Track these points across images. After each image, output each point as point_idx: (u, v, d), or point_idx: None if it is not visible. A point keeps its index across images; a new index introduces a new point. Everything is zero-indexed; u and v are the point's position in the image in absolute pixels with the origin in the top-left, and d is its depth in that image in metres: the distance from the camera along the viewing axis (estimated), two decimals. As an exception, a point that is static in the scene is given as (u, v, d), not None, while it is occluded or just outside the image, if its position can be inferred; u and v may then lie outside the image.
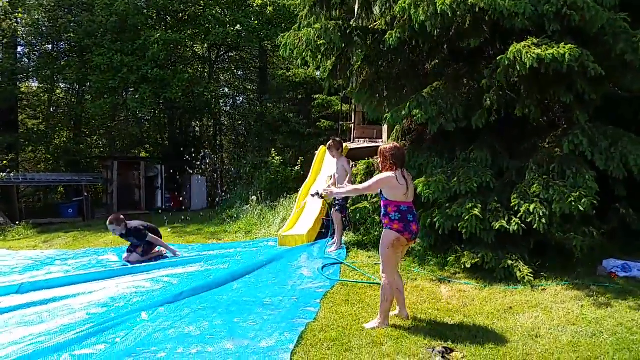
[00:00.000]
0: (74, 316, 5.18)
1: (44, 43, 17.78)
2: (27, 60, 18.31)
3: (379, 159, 4.49)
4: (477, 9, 5.68)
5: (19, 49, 18.38)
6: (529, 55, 5.13)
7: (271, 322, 4.56)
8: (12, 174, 15.25)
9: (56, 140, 20.00)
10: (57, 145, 19.99)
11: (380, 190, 4.38)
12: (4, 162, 14.72)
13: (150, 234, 7.57)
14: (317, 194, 6.73)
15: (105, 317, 4.98)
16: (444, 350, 3.85)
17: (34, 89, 20.84)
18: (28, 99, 20.19)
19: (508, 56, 5.38)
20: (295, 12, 7.67)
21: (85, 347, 4.24)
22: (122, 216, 7.61)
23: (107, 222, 7.51)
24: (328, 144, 7.72)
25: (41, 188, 19.05)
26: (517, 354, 3.78)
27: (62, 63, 17.78)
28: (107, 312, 5.19)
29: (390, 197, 4.31)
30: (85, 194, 16.45)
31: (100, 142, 21.75)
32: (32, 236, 11.98)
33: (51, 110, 20.93)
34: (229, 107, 25.17)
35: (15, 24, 15.73)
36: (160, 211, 16.05)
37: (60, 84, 20.35)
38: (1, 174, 14.19)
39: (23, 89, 19.71)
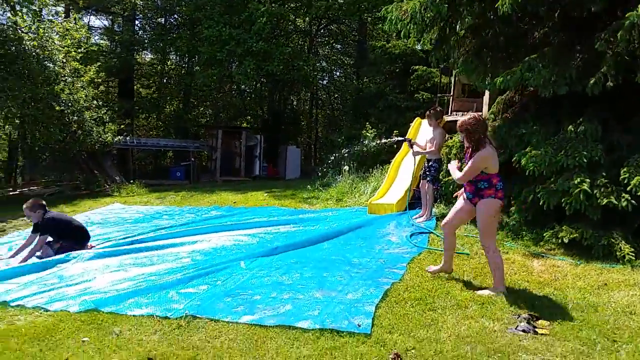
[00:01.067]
0: (180, 261, 5.72)
1: (158, 16, 19.06)
2: (142, 33, 19.75)
3: (463, 135, 4.41)
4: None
5: (137, 22, 19.84)
6: None
7: (358, 279, 4.73)
8: (127, 138, 16.74)
9: (167, 108, 21.56)
10: (168, 113, 21.57)
11: None
12: (122, 126, 16.16)
13: (43, 236, 6.19)
14: (408, 140, 6.89)
15: (208, 263, 5.46)
16: (529, 316, 3.80)
17: (148, 60, 22.49)
18: (142, 69, 21.85)
19: (636, 13, 4.94)
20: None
21: (190, 286, 4.71)
22: (42, 202, 6.38)
23: (23, 206, 6.31)
24: (427, 112, 7.64)
25: (153, 152, 20.69)
26: (606, 327, 3.63)
27: (174, 35, 19.02)
28: (209, 259, 5.67)
29: (492, 170, 4.31)
30: (192, 159, 17.66)
31: (207, 112, 23.07)
32: (144, 194, 13.13)
33: (163, 80, 22.53)
34: (326, 81, 25.50)
35: (135, -1, 17.06)
36: (256, 179, 16.85)
37: (172, 56, 21.77)
38: (119, 137, 15.61)
39: (139, 60, 21.38)
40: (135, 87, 21.39)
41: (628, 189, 5.17)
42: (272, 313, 3.93)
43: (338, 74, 26.71)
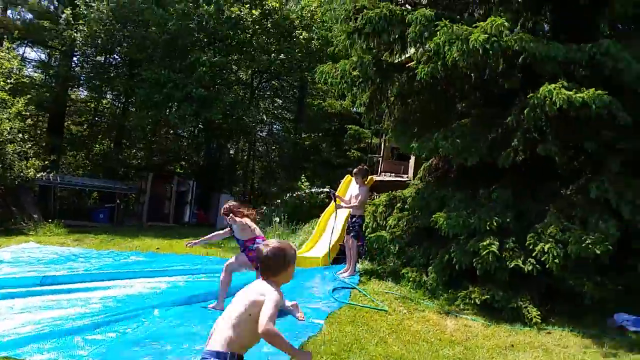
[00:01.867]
0: (90, 306, 5.43)
1: (97, 54, 18.74)
2: (79, 69, 19.29)
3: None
4: (510, 52, 5.84)
5: (74, 58, 19.40)
6: (559, 96, 5.19)
7: (275, 330, 4.67)
8: (51, 175, 15.95)
9: (97, 147, 20.84)
10: (97, 152, 20.84)
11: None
12: (46, 162, 15.41)
13: None
14: (331, 192, 7.61)
15: (120, 309, 5.21)
16: (439, 375, 3.88)
17: (82, 97, 21.88)
18: (76, 106, 21.19)
19: (538, 95, 5.46)
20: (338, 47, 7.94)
21: (98, 333, 4.48)
22: None
23: None
24: (355, 169, 7.90)
25: (77, 191, 19.75)
26: (511, 388, 3.79)
27: (112, 74, 18.70)
28: (122, 306, 5.42)
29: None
30: (118, 201, 16.99)
31: (139, 154, 22.51)
32: (62, 234, 12.43)
33: (96, 118, 21.90)
34: (265, 134, 25.79)
35: (75, 34, 16.68)
36: (185, 225, 16.44)
37: (108, 95, 21.32)
38: (42, 173, 14.84)
39: (72, 96, 20.75)
40: (66, 123, 20.63)
41: (533, 254, 5.54)
42: (182, 364, 3.80)
43: (277, 127, 27.16)
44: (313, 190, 9.33)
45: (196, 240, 6.19)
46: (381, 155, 12.88)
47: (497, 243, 5.66)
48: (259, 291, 2.57)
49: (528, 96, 5.67)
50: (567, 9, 7.07)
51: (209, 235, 6.31)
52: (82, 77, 18.78)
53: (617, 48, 5.43)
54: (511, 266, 5.56)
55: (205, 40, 17.88)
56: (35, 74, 20.15)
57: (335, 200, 7.91)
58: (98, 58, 18.92)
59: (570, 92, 5.25)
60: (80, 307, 5.39)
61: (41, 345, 4.07)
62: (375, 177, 10.69)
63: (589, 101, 5.15)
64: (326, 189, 7.52)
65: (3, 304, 5.37)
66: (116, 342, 4.23)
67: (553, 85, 5.42)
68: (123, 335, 4.45)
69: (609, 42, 5.49)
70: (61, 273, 7.04)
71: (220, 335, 2.50)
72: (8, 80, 13.87)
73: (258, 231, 5.79)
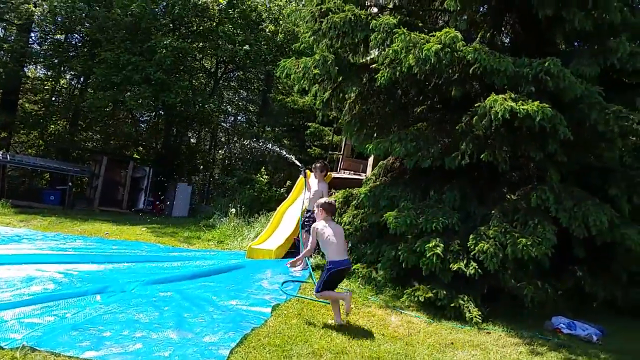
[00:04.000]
0: (30, 289, 5.27)
1: (57, 32, 18.07)
2: (37, 47, 18.54)
3: None
4: (464, 61, 6.01)
5: (32, 34, 18.64)
6: (502, 107, 5.42)
7: (219, 321, 4.68)
8: (1, 152, 15.32)
9: (51, 127, 20.12)
10: (51, 132, 20.12)
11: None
12: (-4, 139, 14.80)
13: None
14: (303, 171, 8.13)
15: (61, 293, 5.09)
16: (377, 368, 3.99)
17: (39, 75, 21.06)
18: (32, 84, 20.38)
19: (484, 105, 5.68)
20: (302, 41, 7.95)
21: (35, 316, 4.37)
22: None
23: None
24: (314, 164, 7.96)
25: (28, 172, 19.03)
26: (444, 384, 3.92)
27: (71, 54, 18.08)
28: (63, 290, 5.28)
29: None
30: (70, 184, 16.46)
31: (95, 137, 21.85)
32: (9, 214, 11.98)
33: (52, 98, 21.12)
34: (228, 125, 25.52)
35: (33, 8, 16.03)
36: (140, 213, 16.11)
37: (66, 75, 20.59)
38: (-9, 150, 14.25)
39: (29, 74, 19.94)
40: (19, 100, 19.80)
41: (472, 254, 5.73)
42: (120, 351, 3.75)
43: (240, 118, 26.93)
44: (291, 156, 9.53)
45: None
46: (341, 153, 12.98)
47: (442, 245, 5.82)
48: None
49: (475, 105, 5.86)
50: (526, 23, 7.32)
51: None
52: (40, 55, 18.02)
53: (557, 67, 5.66)
54: (454, 269, 5.73)
55: (170, 25, 17.53)
56: (-11, 49, 19.24)
57: (305, 177, 8.18)
58: (58, 36, 18.22)
59: (514, 104, 5.44)
60: (20, 288, 5.24)
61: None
62: (334, 174, 10.77)
63: (532, 113, 5.36)
64: (299, 164, 8.23)
65: None
66: (54, 326, 4.13)
67: (500, 96, 5.63)
68: (62, 319, 4.35)
69: (549, 60, 5.72)
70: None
71: (344, 250, 5.24)
72: (-43, 51, 13.21)
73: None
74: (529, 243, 5.42)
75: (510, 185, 6.74)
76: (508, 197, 6.45)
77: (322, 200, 5.48)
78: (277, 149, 13.70)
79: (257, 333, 4.54)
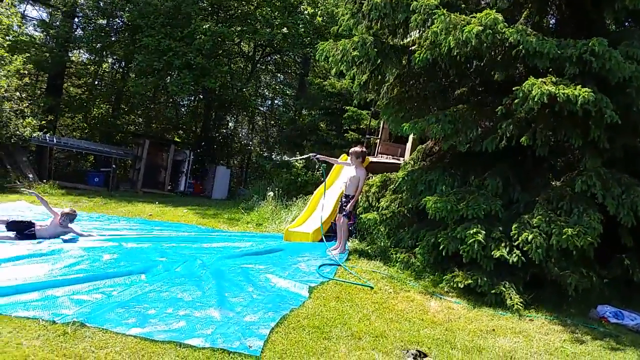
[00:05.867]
0: (78, 267, 5.46)
1: (99, 17, 18.51)
2: (81, 32, 19.07)
3: None
4: (507, 43, 5.82)
5: (76, 19, 19.15)
6: (540, 91, 5.22)
7: (258, 301, 4.75)
8: (47, 135, 15.90)
9: (95, 111, 20.73)
10: (95, 116, 20.75)
11: None
12: (43, 122, 15.34)
13: None
14: (314, 157, 7.83)
15: (108, 272, 5.27)
16: (417, 353, 3.98)
17: (83, 59, 21.68)
18: (75, 68, 21.00)
19: (523, 88, 5.49)
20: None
21: (84, 293, 4.55)
22: None
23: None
24: (352, 149, 7.88)
25: (73, 154, 19.72)
26: (486, 370, 3.88)
27: (113, 39, 18.51)
28: (110, 268, 5.47)
29: None
30: (114, 166, 17.00)
31: (137, 120, 22.41)
32: (57, 195, 12.47)
33: (95, 82, 21.73)
34: (265, 108, 25.69)
35: (77, -6, 16.51)
36: (180, 195, 16.49)
37: (108, 59, 21.11)
38: (38, 132, 14.80)
39: (73, 58, 20.55)
40: (64, 84, 20.47)
41: (516, 243, 5.60)
42: (164, 328, 3.86)
43: (278, 102, 27.05)
44: (296, 157, 9.50)
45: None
46: (379, 137, 12.86)
47: (484, 232, 5.71)
48: None
49: (514, 88, 5.67)
50: (573, 2, 7.01)
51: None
52: (83, 40, 18.55)
53: (602, 46, 5.39)
54: (496, 256, 5.62)
55: (209, 9, 17.67)
56: (36, 33, 19.90)
57: (317, 160, 7.98)
58: (100, 21, 18.68)
59: (553, 88, 5.23)
60: (69, 267, 5.43)
61: (27, 302, 4.13)
62: (372, 159, 10.69)
63: (572, 97, 5.14)
64: (309, 155, 7.92)
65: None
66: (102, 303, 4.28)
67: (539, 80, 5.43)
68: (109, 296, 4.51)
69: (594, 40, 5.46)
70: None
71: None
72: (7, 38, 13.70)
73: None
74: (574, 233, 5.24)
75: (555, 171, 6.54)
76: (553, 183, 6.26)
77: None
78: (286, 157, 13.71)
79: (296, 314, 4.60)
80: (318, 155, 7.95)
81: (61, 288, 4.57)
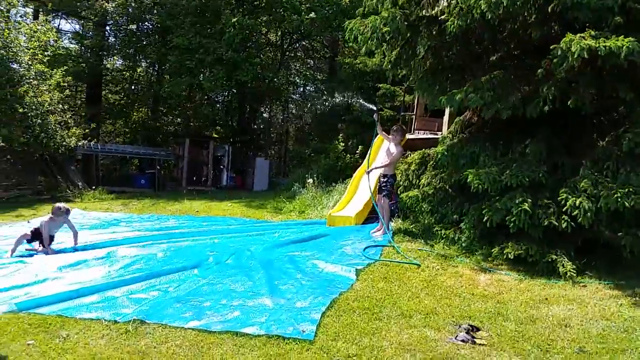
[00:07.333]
0: (133, 267, 5.71)
1: (129, 23, 18.93)
2: (113, 39, 19.57)
3: None
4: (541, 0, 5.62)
5: (107, 28, 19.66)
6: (579, 46, 5.00)
7: (308, 287, 4.85)
8: (92, 143, 16.50)
9: (134, 115, 21.33)
10: (135, 120, 21.35)
11: None
12: (86, 131, 15.92)
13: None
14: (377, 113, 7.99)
15: (162, 270, 5.48)
16: (469, 327, 3.98)
17: (117, 66, 22.27)
18: (111, 75, 21.61)
19: (561, 46, 5.27)
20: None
21: (141, 292, 4.75)
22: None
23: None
24: (394, 127, 7.81)
25: (118, 159, 20.40)
26: (541, 339, 3.84)
27: (145, 43, 18.91)
28: (163, 266, 5.68)
29: None
30: (158, 167, 17.50)
31: (175, 121, 22.92)
32: (107, 200, 12.97)
33: (132, 87, 22.31)
34: (297, 96, 25.72)
35: (106, 4, 16.88)
36: (223, 189, 16.81)
37: (142, 63, 21.60)
38: (83, 141, 15.38)
39: (108, 66, 21.16)
40: (103, 92, 21.14)
41: (564, 209, 5.45)
42: (220, 319, 4.00)
43: (309, 88, 27.03)
44: (362, 102, 9.65)
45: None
46: (414, 112, 12.69)
47: (530, 200, 5.58)
48: None
49: (552, 47, 5.45)
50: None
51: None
52: (116, 47, 19.04)
53: None
54: (545, 224, 5.49)
55: (234, 2, 17.76)
56: (72, 46, 20.56)
57: (377, 121, 7.99)
58: (130, 27, 19.11)
59: (592, 42, 5.00)
60: (125, 268, 5.67)
61: (89, 304, 4.36)
62: (409, 136, 10.58)
63: (615, 50, 4.90)
64: (373, 107, 8.27)
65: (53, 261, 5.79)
66: (159, 300, 4.46)
67: (577, 35, 5.20)
68: (165, 293, 4.70)
69: None
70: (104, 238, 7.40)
71: None
72: (45, 53, 14.23)
73: None
74: (623, 193, 5.05)
75: (600, 131, 6.29)
76: (598, 143, 6.03)
77: None
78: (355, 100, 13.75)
79: (345, 297, 4.67)
80: (376, 115, 8.09)
81: (119, 288, 4.78)
